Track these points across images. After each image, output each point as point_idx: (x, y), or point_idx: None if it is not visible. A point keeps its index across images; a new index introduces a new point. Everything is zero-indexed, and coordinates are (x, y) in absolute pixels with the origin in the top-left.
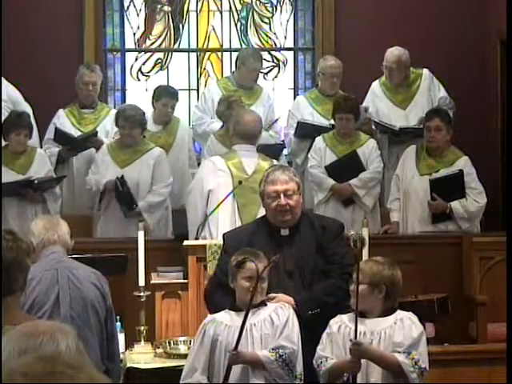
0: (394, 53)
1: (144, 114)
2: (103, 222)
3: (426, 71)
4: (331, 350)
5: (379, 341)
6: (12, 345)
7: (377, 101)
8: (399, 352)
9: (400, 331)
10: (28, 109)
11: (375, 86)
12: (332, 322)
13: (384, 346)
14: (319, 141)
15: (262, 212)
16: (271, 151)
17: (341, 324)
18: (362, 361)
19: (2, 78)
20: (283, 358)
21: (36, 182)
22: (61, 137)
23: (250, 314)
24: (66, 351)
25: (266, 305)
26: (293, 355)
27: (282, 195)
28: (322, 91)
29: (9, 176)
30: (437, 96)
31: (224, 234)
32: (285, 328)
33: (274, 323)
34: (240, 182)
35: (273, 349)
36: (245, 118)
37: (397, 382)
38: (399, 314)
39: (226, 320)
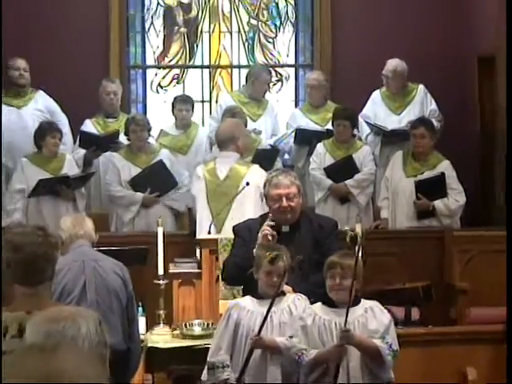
0: (391, 63)
1: (149, 121)
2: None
3: (421, 86)
4: (307, 342)
5: (354, 329)
6: (37, 328)
7: (375, 107)
8: (374, 338)
9: (372, 319)
10: (64, 119)
11: (376, 94)
12: (305, 314)
13: (359, 334)
14: (320, 146)
15: (231, 215)
16: (267, 155)
17: (314, 316)
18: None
19: (42, 92)
20: None
21: (71, 178)
22: (86, 138)
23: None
24: (86, 334)
25: (284, 294)
26: None
27: (284, 198)
28: (310, 103)
29: (45, 176)
30: (428, 108)
31: (234, 227)
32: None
33: (292, 313)
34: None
35: (290, 337)
36: (220, 126)
37: (373, 365)
38: (365, 303)
39: (248, 306)
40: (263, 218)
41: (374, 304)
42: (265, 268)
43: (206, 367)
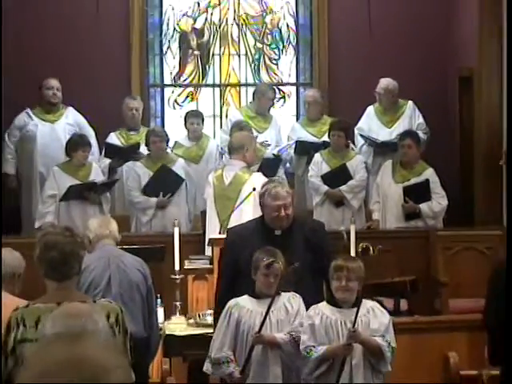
0: (383, 82)
1: (167, 133)
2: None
3: (410, 102)
4: (315, 339)
5: (358, 328)
6: (59, 322)
7: (369, 121)
8: (376, 336)
9: (375, 319)
10: (92, 132)
11: (369, 109)
12: (312, 313)
13: (363, 333)
14: (317, 156)
15: (232, 217)
16: (271, 164)
17: (321, 315)
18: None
19: (71, 108)
20: (296, 339)
21: (98, 184)
22: (110, 149)
23: (269, 303)
24: (102, 328)
25: (280, 294)
26: None
27: (282, 208)
28: (308, 117)
29: (74, 183)
30: (416, 122)
31: (228, 230)
32: (297, 316)
33: (288, 311)
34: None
35: (288, 332)
36: (235, 135)
37: (374, 361)
38: (366, 303)
39: (247, 305)
40: (256, 223)
41: (374, 304)
42: (262, 270)
43: (209, 362)
